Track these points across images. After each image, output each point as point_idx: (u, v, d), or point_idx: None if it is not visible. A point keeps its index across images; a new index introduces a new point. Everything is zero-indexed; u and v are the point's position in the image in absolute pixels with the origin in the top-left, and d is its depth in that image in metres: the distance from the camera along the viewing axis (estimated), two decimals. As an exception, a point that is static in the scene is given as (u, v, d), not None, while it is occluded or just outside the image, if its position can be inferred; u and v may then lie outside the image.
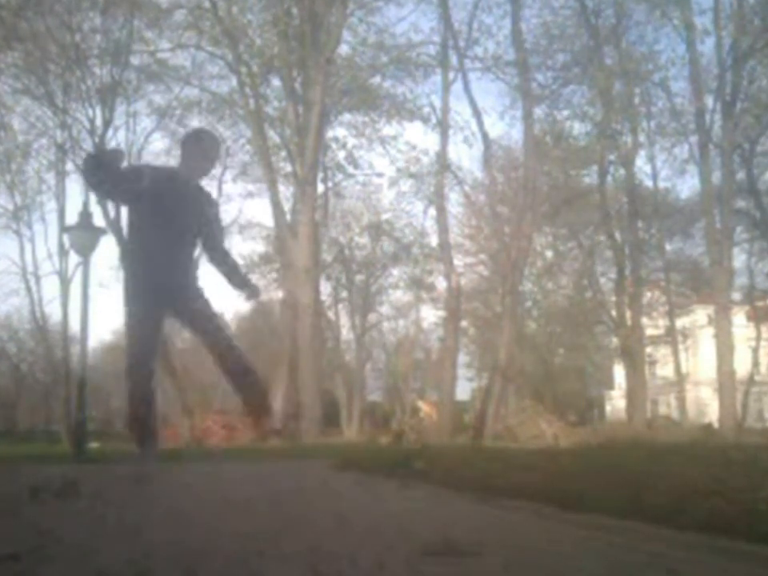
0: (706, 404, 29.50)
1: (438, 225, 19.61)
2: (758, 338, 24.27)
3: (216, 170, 23.26)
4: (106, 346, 39.85)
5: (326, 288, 26.39)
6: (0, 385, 38.49)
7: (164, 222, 3.79)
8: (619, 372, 31.68)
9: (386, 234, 25.74)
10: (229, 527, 2.18)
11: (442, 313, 24.72)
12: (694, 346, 32.89)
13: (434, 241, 23.00)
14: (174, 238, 3.85)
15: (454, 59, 19.10)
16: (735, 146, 19.69)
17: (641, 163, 22.36)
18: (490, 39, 19.15)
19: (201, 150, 3.94)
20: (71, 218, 12.59)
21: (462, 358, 26.72)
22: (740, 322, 22.89)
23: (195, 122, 21.48)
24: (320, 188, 20.14)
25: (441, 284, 24.08)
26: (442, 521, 2.34)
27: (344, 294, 29.05)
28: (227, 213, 23.41)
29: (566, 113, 20.21)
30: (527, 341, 26.61)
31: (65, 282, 24.45)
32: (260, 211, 44.42)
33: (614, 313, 23.91)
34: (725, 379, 18.07)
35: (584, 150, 20.15)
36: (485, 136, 19.35)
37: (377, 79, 19.99)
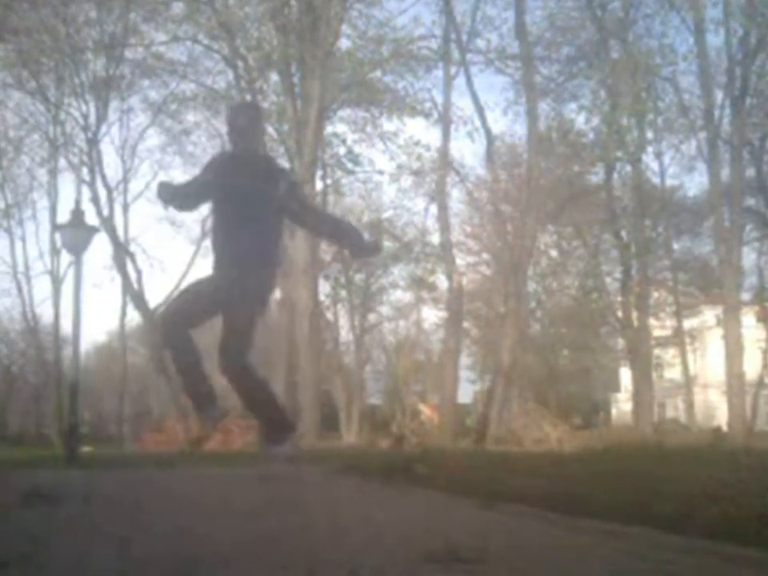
0: (714, 407, 29.18)
1: (440, 223, 19.29)
2: (768, 339, 23.81)
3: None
4: (99, 348, 39.51)
5: (324, 288, 26.09)
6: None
7: (231, 213, 3.76)
8: (625, 374, 31.35)
9: (386, 233, 25.38)
10: (224, 534, 2.15)
11: (443, 313, 24.35)
12: (702, 348, 32.50)
13: (435, 239, 22.68)
14: (243, 229, 3.73)
15: (456, 53, 18.79)
16: (745, 142, 19.43)
17: (648, 160, 21.96)
18: (494, 32, 18.90)
19: (234, 126, 3.86)
20: (63, 216, 12.34)
21: (464, 360, 26.44)
22: (749, 323, 22.42)
23: (191, 118, 21.18)
24: (319, 185, 19.83)
25: (442, 284, 23.69)
26: (444, 527, 2.31)
27: (343, 293, 28.66)
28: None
29: (571, 107, 19.87)
30: (531, 342, 26.24)
31: (56, 282, 24.30)
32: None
33: (620, 313, 23.58)
34: (734, 381, 17.81)
35: (590, 146, 19.77)
36: (487, 132, 19.10)
37: (377, 74, 19.66)
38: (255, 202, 3.72)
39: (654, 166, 22.50)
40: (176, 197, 3.92)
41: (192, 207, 4.23)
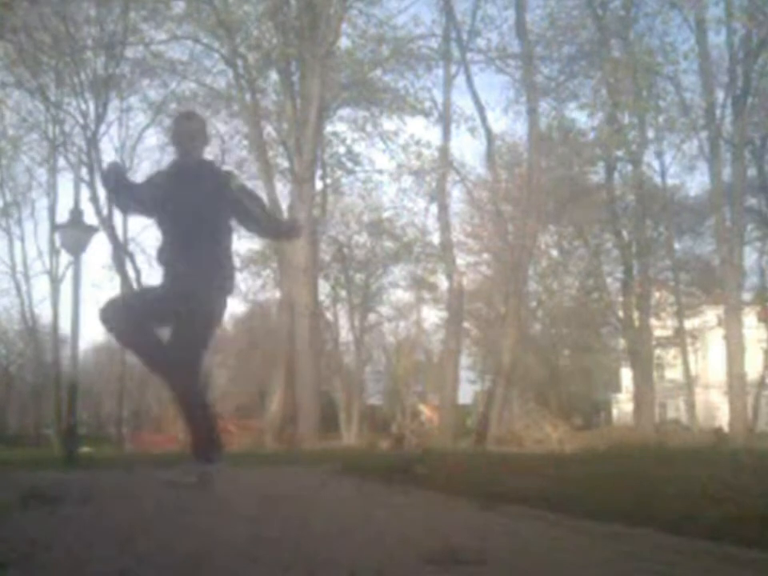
0: (716, 407, 29.14)
1: (440, 223, 19.22)
2: (770, 340, 23.74)
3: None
4: (98, 348, 39.40)
5: (324, 288, 26.01)
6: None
7: (176, 223, 3.74)
8: (626, 374, 31.27)
9: (386, 233, 25.31)
10: (224, 534, 2.15)
11: (443, 313, 24.28)
12: (703, 348, 32.45)
13: (435, 239, 22.61)
14: (189, 236, 3.70)
15: (456, 52, 18.74)
16: (746, 141, 19.37)
17: (649, 159, 21.87)
18: (494, 31, 18.86)
19: (181, 132, 3.85)
20: (62, 216, 12.32)
21: (465, 360, 26.38)
22: (751, 323, 22.38)
23: (190, 117, 21.06)
24: (318, 185, 19.75)
25: (442, 284, 23.62)
26: (445, 528, 2.31)
27: (343, 293, 28.59)
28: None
29: (572, 106, 19.80)
30: (532, 342, 26.17)
31: (55, 282, 24.22)
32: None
33: (621, 314, 23.50)
34: (735, 382, 17.73)
35: (591, 145, 19.70)
36: (488, 131, 18.99)
37: (377, 73, 19.58)
38: (204, 215, 3.65)
39: (655, 165, 22.40)
40: (123, 191, 3.95)
41: (131, 212, 4.27)
